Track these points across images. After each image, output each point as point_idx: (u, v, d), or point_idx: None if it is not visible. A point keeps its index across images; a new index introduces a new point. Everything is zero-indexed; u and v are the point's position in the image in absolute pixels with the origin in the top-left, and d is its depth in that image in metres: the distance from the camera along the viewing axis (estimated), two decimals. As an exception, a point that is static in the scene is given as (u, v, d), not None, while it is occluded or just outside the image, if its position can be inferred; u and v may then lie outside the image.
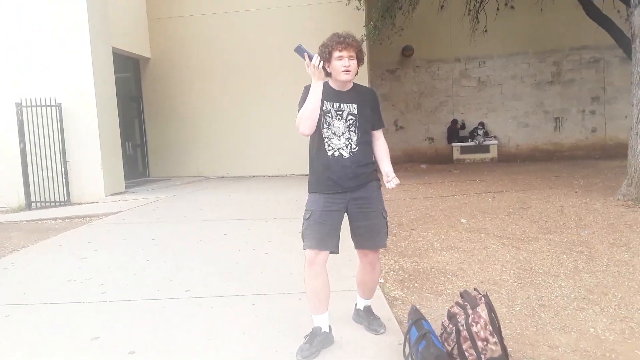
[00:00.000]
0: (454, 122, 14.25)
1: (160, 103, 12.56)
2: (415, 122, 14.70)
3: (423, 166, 13.29)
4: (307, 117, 2.60)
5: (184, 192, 9.09)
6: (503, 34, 13.43)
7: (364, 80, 11.89)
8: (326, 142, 2.65)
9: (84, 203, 8.60)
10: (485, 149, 13.89)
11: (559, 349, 2.72)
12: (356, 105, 2.67)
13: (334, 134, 2.64)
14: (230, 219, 6.20)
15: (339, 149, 2.65)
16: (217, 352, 2.66)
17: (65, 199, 8.69)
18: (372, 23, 10.39)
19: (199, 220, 6.21)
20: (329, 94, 2.66)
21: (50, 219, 7.04)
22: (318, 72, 2.53)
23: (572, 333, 2.90)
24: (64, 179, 8.72)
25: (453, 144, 14.07)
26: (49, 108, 8.66)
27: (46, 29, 8.83)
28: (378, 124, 2.81)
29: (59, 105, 8.70)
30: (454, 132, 14.14)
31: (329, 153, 2.65)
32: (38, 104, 8.62)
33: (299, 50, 2.53)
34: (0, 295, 3.70)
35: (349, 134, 2.65)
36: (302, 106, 2.67)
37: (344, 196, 2.66)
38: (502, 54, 14.03)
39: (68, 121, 8.77)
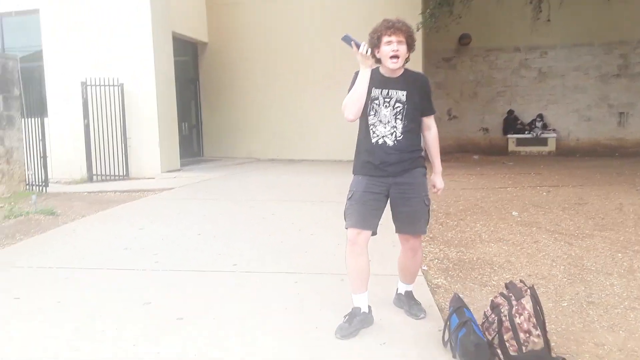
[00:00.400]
0: (511, 112, 13.79)
1: (216, 86, 12.87)
2: (470, 111, 14.32)
3: (476, 157, 12.97)
4: (353, 103, 2.62)
5: (235, 172, 9.33)
6: (567, 24, 12.81)
7: (418, 69, 11.59)
8: (371, 129, 2.66)
9: (141, 178, 9.02)
10: (543, 141, 13.37)
11: (605, 347, 2.64)
12: (405, 92, 2.64)
13: (380, 121, 2.64)
14: (278, 200, 6.33)
15: (383, 136, 2.65)
16: (259, 322, 2.76)
17: (124, 173, 9.14)
18: (428, 10, 10.18)
19: (248, 200, 6.38)
20: (378, 80, 2.65)
21: (110, 191, 7.43)
22: (366, 59, 2.53)
23: (621, 332, 2.80)
24: (124, 155, 9.16)
25: (509, 136, 13.64)
26: (111, 87, 9.09)
27: (111, 12, 9.23)
28: (428, 110, 2.78)
29: (121, 86, 9.11)
30: (511, 123, 13.69)
31: (373, 140, 2.66)
32: (101, 83, 9.05)
33: (346, 39, 2.53)
34: (62, 258, 3.97)
35: (395, 122, 2.64)
36: (350, 91, 2.70)
37: (386, 180, 2.66)
38: (565, 44, 13.39)
39: (129, 101, 9.19)
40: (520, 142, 13.50)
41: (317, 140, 12.13)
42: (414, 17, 10.66)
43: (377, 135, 2.65)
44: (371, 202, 2.64)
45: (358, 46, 2.51)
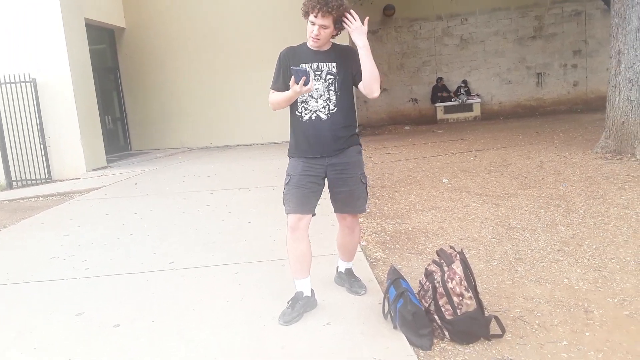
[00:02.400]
0: (439, 79, 14.17)
1: (139, 74, 12.28)
2: (399, 83, 14.60)
3: (407, 128, 13.31)
4: (279, 105, 2.62)
5: (166, 165, 9.03)
6: (484, -11, 13.28)
7: (344, 42, 11.67)
8: (302, 105, 2.62)
9: (65, 180, 8.52)
10: (469, 107, 13.90)
11: (534, 300, 2.81)
12: (335, 63, 2.61)
13: (311, 96, 2.60)
14: (213, 190, 6.20)
15: (316, 111, 2.61)
16: (201, 321, 2.70)
17: (47, 176, 8.61)
18: (350, -18, 10.17)
19: (182, 192, 6.20)
20: (307, 54, 2.60)
21: (31, 197, 6.98)
22: (300, 94, 2.49)
23: (547, 284, 2.99)
24: (43, 156, 8.61)
25: (436, 104, 14.05)
26: (23, 84, 8.47)
27: (17, 3, 8.52)
28: (360, 76, 2.70)
29: (34, 81, 8.49)
30: (438, 91, 14.09)
31: (306, 117, 2.62)
32: (11, 80, 8.41)
33: (301, 73, 2.41)
34: (-17, 276, 3.69)
35: (328, 94, 2.60)
36: (276, 81, 2.64)
37: (322, 161, 2.65)
38: (484, 9, 13.88)
39: (44, 97, 8.59)
40: (447, 109, 13.96)
41: (250, 124, 11.93)
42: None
43: (310, 111, 2.61)
44: (309, 185, 2.62)
45: (307, 82, 2.41)
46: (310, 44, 2.58)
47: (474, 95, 14.02)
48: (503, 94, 14.20)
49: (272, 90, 2.67)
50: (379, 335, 2.44)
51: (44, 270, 3.70)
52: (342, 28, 2.55)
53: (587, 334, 2.40)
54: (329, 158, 2.64)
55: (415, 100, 14.62)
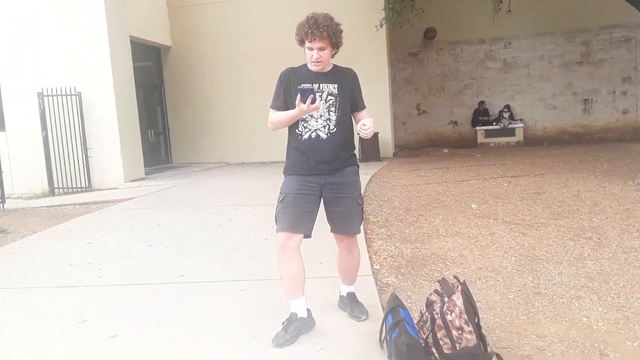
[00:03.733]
0: (481, 103, 13.88)
1: (182, 91, 12.67)
2: (439, 105, 14.40)
3: (445, 150, 13.06)
4: (281, 125, 2.63)
5: (201, 179, 9.20)
6: (529, 14, 13.00)
7: (384, 65, 11.69)
8: (302, 124, 2.60)
9: (104, 189, 8.83)
10: (511, 132, 13.51)
11: (547, 339, 2.63)
12: (336, 85, 2.61)
13: (312, 115, 2.59)
14: (239, 205, 6.24)
15: (315, 130, 2.59)
16: (196, 335, 2.68)
17: (87, 185, 8.94)
18: (390, 5, 10.19)
19: (208, 206, 6.27)
20: (308, 75, 2.61)
21: (68, 204, 7.24)
22: (307, 113, 2.48)
23: (564, 322, 2.80)
24: (85, 166, 8.96)
25: (477, 128, 13.74)
26: (69, 97, 8.89)
27: (65, 18, 9.01)
28: (360, 104, 2.76)
29: (79, 95, 8.91)
30: (480, 114, 13.79)
31: (306, 135, 2.60)
32: (58, 93, 8.84)
33: (307, 92, 2.41)
34: (3, 278, 3.82)
35: (329, 114, 2.60)
36: (276, 99, 2.64)
37: (318, 179, 2.61)
38: (529, 34, 13.54)
39: (88, 110, 8.99)
40: (488, 133, 13.62)
41: (286, 141, 12.00)
42: (376, 12, 10.67)
43: (309, 130, 2.60)
44: (304, 204, 2.58)
45: (313, 100, 2.41)
46: (313, 68, 2.58)
47: (516, 120, 13.63)
48: (547, 120, 13.74)
49: (271, 110, 2.68)
50: (373, 365, 2.34)
51: (60, 276, 3.79)
52: (340, 45, 2.55)
53: (599, 379, 2.21)
54: (325, 177, 2.60)
55: (455, 123, 14.36)
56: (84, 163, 8.96)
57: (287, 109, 2.56)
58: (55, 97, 8.85)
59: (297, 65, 2.70)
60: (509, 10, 11.69)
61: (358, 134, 2.59)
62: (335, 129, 2.60)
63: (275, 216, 2.63)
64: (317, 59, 2.52)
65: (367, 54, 11.34)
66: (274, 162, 11.95)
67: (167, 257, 4.16)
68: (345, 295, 2.91)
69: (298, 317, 2.60)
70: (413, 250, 4.28)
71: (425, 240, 4.56)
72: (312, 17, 2.53)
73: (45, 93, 8.84)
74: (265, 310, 2.99)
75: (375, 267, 3.81)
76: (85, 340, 2.68)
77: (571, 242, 4.18)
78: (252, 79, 12.14)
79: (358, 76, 2.75)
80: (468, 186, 7.02)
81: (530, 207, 5.48)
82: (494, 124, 13.62)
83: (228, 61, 12.28)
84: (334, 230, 2.73)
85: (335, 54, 2.60)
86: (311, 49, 2.51)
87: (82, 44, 8.97)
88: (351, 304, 2.87)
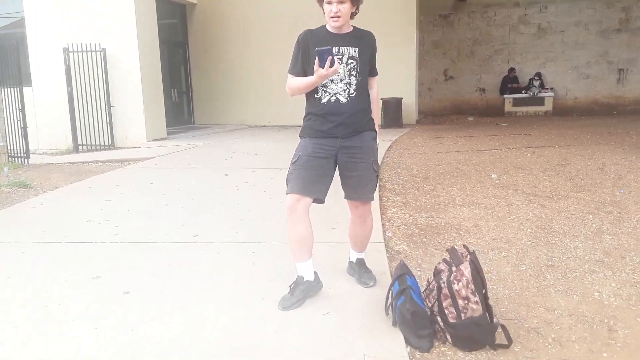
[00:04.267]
0: (512, 70, 13.44)
1: (206, 50, 12.57)
2: (467, 71, 14.01)
3: (470, 118, 12.78)
4: (299, 91, 2.58)
5: (221, 140, 9.23)
6: (568, -25, 12.36)
7: (412, 27, 11.36)
8: (322, 88, 2.55)
9: (127, 147, 8.95)
10: (540, 101, 13.10)
11: (556, 312, 2.59)
12: (357, 48, 2.54)
13: (332, 80, 2.53)
14: (256, 168, 6.25)
15: (335, 93, 2.54)
16: (205, 295, 2.73)
17: (110, 143, 9.07)
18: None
19: (226, 168, 6.31)
20: (327, 38, 2.53)
21: (91, 162, 7.38)
22: (327, 78, 2.42)
23: (575, 296, 2.75)
24: (108, 124, 9.08)
25: (505, 96, 13.36)
26: (94, 53, 8.92)
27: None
28: (373, 70, 2.70)
29: (104, 51, 8.93)
30: (509, 81, 13.37)
31: (325, 99, 2.55)
32: (84, 49, 8.88)
33: (326, 53, 2.34)
34: (22, 232, 3.94)
35: (349, 79, 2.54)
36: (294, 65, 2.58)
37: (334, 142, 2.57)
38: (567, -2, 12.92)
39: (112, 67, 9.02)
40: (517, 102, 13.25)
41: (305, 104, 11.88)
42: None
43: (329, 93, 2.54)
44: (317, 167, 2.55)
45: (332, 63, 2.34)
46: (332, 24, 2.49)
47: (547, 89, 13.18)
48: (579, 89, 13.25)
49: (290, 75, 2.62)
50: (377, 331, 2.35)
51: (78, 232, 3.89)
52: (360, 2, 2.46)
53: (605, 355, 2.18)
54: (342, 140, 2.56)
55: (483, 90, 13.98)
56: (108, 121, 9.07)
57: (306, 74, 2.51)
58: (80, 53, 8.90)
59: (315, 27, 2.60)
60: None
61: None
62: (355, 93, 2.54)
63: (286, 177, 2.61)
64: (337, 12, 2.42)
65: (395, 15, 11.02)
66: (294, 126, 11.89)
67: (183, 217, 4.22)
68: (354, 262, 2.91)
69: (304, 280, 2.61)
70: (427, 219, 4.24)
71: (441, 209, 4.51)
72: None
73: (70, 49, 8.89)
74: (275, 272, 3.02)
75: (387, 234, 3.79)
76: (99, 295, 2.76)
77: (590, 216, 4.08)
78: (277, 41, 11.90)
79: (378, 40, 2.66)
80: (490, 155, 6.88)
81: (552, 179, 5.35)
82: (523, 92, 13.21)
83: (254, 22, 12.07)
84: (347, 196, 2.68)
85: (355, 12, 2.50)
86: (330, 2, 2.42)
87: (108, 1, 8.92)
88: (360, 270, 2.87)
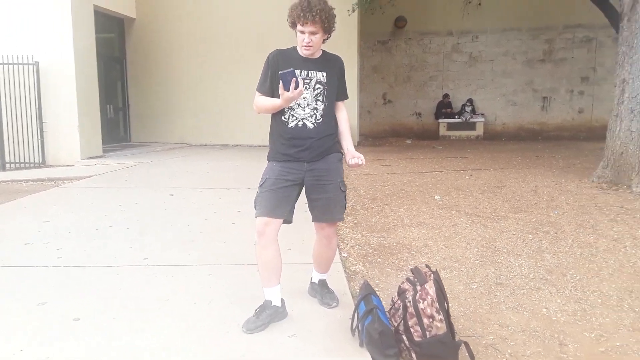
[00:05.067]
0: (446, 96, 14.10)
1: (145, 66, 12.25)
2: (405, 96, 14.54)
3: (408, 141, 13.24)
4: (266, 111, 2.58)
5: (162, 159, 8.97)
6: (497, 9, 13.23)
7: (353, 51, 11.67)
8: (289, 112, 2.56)
9: (59, 166, 8.48)
10: (472, 126, 13.81)
11: (509, 328, 2.72)
12: (325, 73, 2.57)
13: (299, 104, 2.55)
14: (203, 187, 6.12)
15: (302, 119, 2.56)
16: (162, 321, 2.62)
17: (41, 160, 8.57)
18: (363, -9, 10.15)
19: (170, 188, 6.13)
20: (297, 61, 2.55)
21: (21, 180, 6.92)
22: (292, 101, 2.43)
23: (525, 313, 2.90)
24: (39, 141, 8.57)
25: (440, 120, 13.98)
26: (25, 66, 8.45)
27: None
28: (342, 95, 2.73)
29: (37, 64, 8.48)
30: (443, 107, 14.02)
31: (292, 123, 2.56)
32: (14, 61, 8.38)
33: (289, 75, 2.35)
34: (-46, 256, 3.62)
35: (316, 104, 2.56)
36: (263, 84, 2.57)
37: (301, 166, 2.58)
38: (496, 29, 13.81)
39: (45, 81, 8.57)
40: (450, 126, 13.89)
41: (251, 125, 11.80)
42: (349, -1, 10.60)
43: (297, 118, 2.55)
44: (283, 189, 2.55)
45: (296, 85, 2.35)
46: (304, 52, 2.53)
47: (478, 114, 13.94)
48: (507, 115, 14.13)
49: (257, 93, 2.62)
50: (343, 352, 2.36)
51: (17, 255, 3.62)
52: (332, 30, 2.51)
53: (559, 368, 2.31)
54: (308, 163, 2.58)
55: (419, 114, 14.55)
56: (39, 137, 8.57)
57: (273, 94, 2.51)
58: (10, 66, 8.38)
59: (285, 48, 2.62)
60: (479, 4, 11.88)
61: (348, 162, 2.60)
62: (321, 119, 2.57)
63: (254, 201, 2.58)
64: (308, 43, 2.46)
65: (337, 39, 11.10)
66: (236, 145, 11.79)
67: (130, 239, 4.04)
68: (316, 282, 2.91)
69: (272, 304, 2.58)
70: (379, 239, 4.33)
71: (391, 229, 4.62)
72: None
73: (0, 61, 8.35)
74: (235, 295, 2.95)
75: (343, 254, 3.83)
76: (46, 322, 2.58)
77: (530, 236, 4.33)
78: (220, 58, 11.87)
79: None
80: (431, 177, 7.15)
81: (490, 200, 5.64)
82: (456, 117, 13.89)
83: (194, 38, 11.93)
84: (316, 218, 2.68)
85: (327, 38, 2.55)
86: (303, 32, 2.45)
87: (43, 12, 8.51)
88: (322, 291, 2.88)
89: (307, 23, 2.42)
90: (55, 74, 8.56)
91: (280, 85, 2.38)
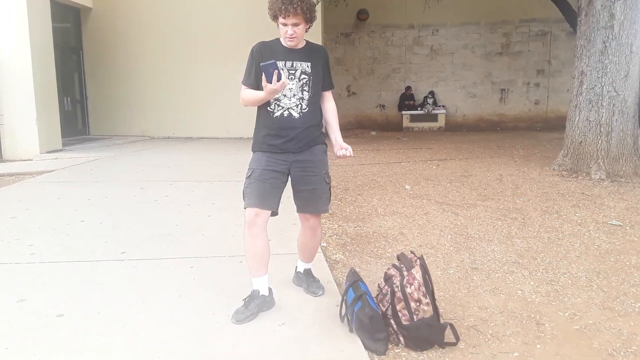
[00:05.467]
0: (408, 88, 14.33)
1: (103, 57, 11.86)
2: (368, 88, 14.69)
3: (373, 133, 13.40)
4: (252, 103, 2.58)
5: (125, 152, 8.75)
6: (457, 3, 13.51)
7: (317, 43, 11.62)
8: (275, 102, 2.57)
9: (17, 160, 8.14)
10: (434, 117, 14.11)
11: (488, 310, 2.83)
12: (309, 63, 2.59)
13: (285, 95, 2.56)
14: (173, 181, 6.03)
15: (288, 108, 2.57)
16: (150, 314, 2.60)
17: (-3, 155, 8.19)
18: (326, -17, 10.16)
19: (139, 181, 6.01)
20: (281, 52, 2.56)
21: (-22, 176, 6.61)
22: (275, 93, 2.45)
23: (501, 295, 3.03)
24: (-5, 135, 8.19)
25: (403, 112, 14.20)
26: (-22, 58, 8.03)
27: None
28: (328, 85, 2.76)
29: (-10, 55, 8.07)
30: (406, 99, 14.25)
31: (278, 113, 2.57)
32: (-35, 51, 7.96)
33: (271, 67, 2.34)
34: None
35: (302, 94, 2.58)
36: (248, 77, 2.58)
37: (287, 157, 2.60)
38: (455, 23, 14.12)
39: (1, 74, 8.17)
40: (413, 118, 14.13)
41: (216, 117, 11.71)
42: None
43: (282, 108, 2.57)
44: (271, 180, 2.56)
45: (279, 78, 2.36)
46: (288, 44, 2.54)
47: (439, 106, 14.25)
48: (467, 107, 14.51)
49: (243, 87, 2.62)
50: (334, 338, 2.40)
51: (-15, 253, 3.49)
52: (314, 19, 2.53)
53: (539, 346, 2.43)
54: (293, 154, 2.60)
55: (383, 106, 14.74)
56: (-6, 131, 8.19)
57: (259, 86, 2.51)
58: (-40, 56, 7.96)
59: (269, 40, 2.63)
60: (440, -1, 12.13)
61: (336, 154, 2.65)
62: (307, 109, 2.59)
63: (242, 192, 2.59)
64: (292, 35, 2.48)
65: (301, 32, 11.25)
66: (201, 138, 11.63)
67: (104, 234, 3.95)
68: (302, 272, 2.95)
69: (260, 294, 2.60)
70: (356, 228, 4.40)
71: (366, 219, 4.70)
72: None
73: (-53, 51, 7.92)
74: (219, 287, 2.95)
75: (322, 244, 3.87)
76: (29, 319, 2.51)
77: (499, 222, 4.51)
78: (180, 48, 11.62)
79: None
80: (400, 168, 7.29)
81: (458, 189, 5.81)
82: (419, 109, 14.15)
83: (154, 28, 11.64)
84: (300, 209, 2.71)
85: (309, 28, 2.57)
86: (285, 24, 2.46)
87: (-5, 0, 8.10)
88: (307, 280, 2.92)
89: (289, 15, 2.43)
90: (12, 66, 8.19)
91: (263, 77, 2.39)
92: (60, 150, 8.88)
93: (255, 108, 2.67)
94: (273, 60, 2.40)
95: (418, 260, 2.52)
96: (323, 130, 2.75)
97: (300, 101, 2.58)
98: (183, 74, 11.70)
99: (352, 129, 14.21)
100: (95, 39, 11.84)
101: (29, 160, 8.11)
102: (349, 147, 2.63)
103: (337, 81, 14.53)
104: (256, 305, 2.56)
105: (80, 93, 12.01)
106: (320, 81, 2.65)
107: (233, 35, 11.05)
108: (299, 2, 2.41)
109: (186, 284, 3.01)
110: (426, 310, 2.41)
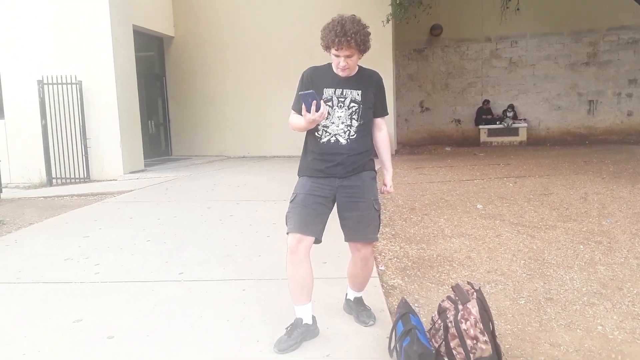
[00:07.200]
0: (486, 102, 13.75)
1: (184, 82, 12.52)
2: (442, 103, 14.25)
3: (448, 149, 12.93)
4: (298, 130, 2.54)
5: (201, 172, 9.07)
6: (536, 13, 12.82)
7: (388, 61, 11.54)
8: (323, 128, 2.50)
9: (103, 180, 8.70)
10: (514, 131, 13.37)
11: (561, 348, 2.52)
12: (360, 91, 2.49)
13: (333, 122, 2.48)
14: (240, 200, 6.12)
15: (335, 134, 2.49)
16: (197, 340, 2.57)
17: (85, 176, 8.81)
18: (397, 1, 10.02)
19: (208, 201, 6.15)
20: (332, 79, 2.49)
21: (66, 195, 7.11)
22: (315, 123, 2.41)
23: (578, 330, 2.69)
24: (84, 157, 8.83)
25: (480, 127, 13.61)
26: (69, 86, 8.74)
27: (67, 6, 8.85)
28: (381, 111, 2.63)
29: (80, 83, 8.75)
30: (483, 113, 13.66)
31: (325, 139, 2.50)
32: (59, 81, 8.70)
33: (310, 97, 2.31)
34: (-3, 272, 3.71)
35: (350, 121, 2.49)
36: (297, 102, 2.52)
37: (332, 182, 2.50)
38: (536, 33, 13.36)
39: (88, 99, 8.84)
40: (492, 132, 13.49)
41: (288, 136, 11.82)
42: (383, 8, 10.49)
43: (330, 134, 2.49)
44: (315, 205, 2.47)
45: (318, 107, 2.31)
46: (340, 74, 2.47)
47: (520, 120, 13.49)
48: (551, 120, 13.61)
49: (292, 111, 2.58)
50: (381, 374, 2.23)
51: (56, 271, 3.68)
52: (367, 49, 2.42)
53: (619, 394, 2.10)
54: (340, 180, 2.49)
55: (459, 121, 14.21)
56: (83, 153, 8.83)
57: None
58: (55, 86, 8.70)
59: (321, 65, 2.56)
60: (518, 9, 11.53)
61: (380, 190, 2.67)
62: (355, 135, 2.50)
63: (285, 216, 2.51)
64: (345, 66, 2.40)
65: (372, 50, 11.09)
66: (274, 157, 11.84)
67: (166, 253, 4.04)
68: (352, 299, 2.80)
69: (303, 322, 2.49)
70: (419, 250, 4.17)
71: (431, 240, 4.45)
72: (338, 22, 2.34)
73: (45, 81, 8.69)
74: (268, 312, 2.88)
75: (380, 268, 3.70)
76: (80, 340, 2.57)
77: (581, 246, 4.08)
78: (255, 72, 11.99)
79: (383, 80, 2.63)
80: (472, 185, 6.91)
81: (537, 209, 5.37)
82: (497, 123, 13.49)
83: (232, 53, 12.11)
84: (348, 238, 2.57)
85: (362, 55, 2.46)
86: (338, 56, 2.38)
87: (84, 33, 8.81)
88: (357, 308, 2.76)
89: (342, 48, 2.35)
90: (98, 92, 8.82)
91: (303, 106, 2.33)
92: (143, 170, 9.39)
93: None
94: (312, 90, 2.33)
95: (475, 293, 2.29)
96: (372, 156, 2.62)
97: (349, 128, 2.49)
98: (256, 95, 12.03)
99: (425, 144, 13.83)
100: (177, 65, 12.52)
101: (114, 180, 8.63)
102: (392, 189, 2.71)
103: (410, 97, 14.28)
104: (299, 334, 2.45)
105: (164, 116, 12.73)
106: (371, 108, 2.54)
107: (304, 56, 11.17)
108: (353, 35, 2.31)
109: (237, 307, 2.97)
110: (484, 349, 2.18)
